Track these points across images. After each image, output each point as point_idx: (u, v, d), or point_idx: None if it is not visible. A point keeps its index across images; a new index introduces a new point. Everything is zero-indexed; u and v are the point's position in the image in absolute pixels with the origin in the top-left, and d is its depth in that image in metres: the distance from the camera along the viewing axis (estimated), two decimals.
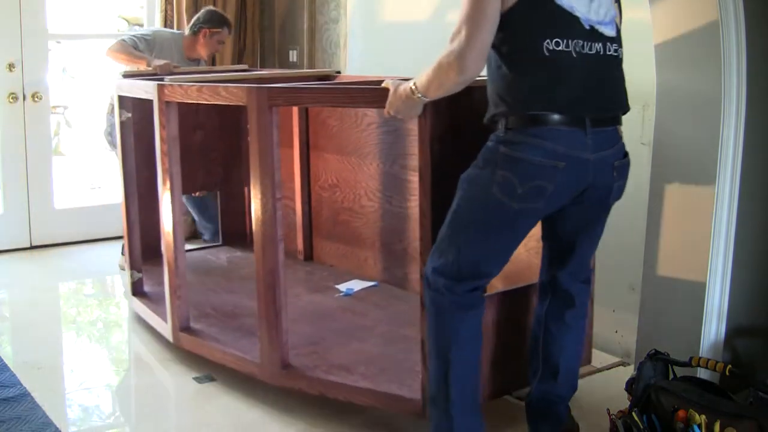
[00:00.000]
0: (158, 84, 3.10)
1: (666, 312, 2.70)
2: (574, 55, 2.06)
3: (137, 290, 3.66)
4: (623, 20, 2.26)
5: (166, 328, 3.26)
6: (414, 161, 3.23)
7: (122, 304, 4.02)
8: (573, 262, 2.35)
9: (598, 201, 2.23)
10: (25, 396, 2.79)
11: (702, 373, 2.49)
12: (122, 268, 4.30)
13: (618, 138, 2.21)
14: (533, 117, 2.06)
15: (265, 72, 4.02)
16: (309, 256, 4.11)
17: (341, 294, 3.63)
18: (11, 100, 4.46)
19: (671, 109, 2.61)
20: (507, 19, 2.05)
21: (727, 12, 2.42)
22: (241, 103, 2.79)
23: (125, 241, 3.70)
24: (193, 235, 4.96)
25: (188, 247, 3.90)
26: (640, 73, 2.59)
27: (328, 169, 3.95)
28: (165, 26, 4.73)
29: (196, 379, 3.03)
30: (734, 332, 2.66)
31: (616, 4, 2.21)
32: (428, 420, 2.37)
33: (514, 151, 2.08)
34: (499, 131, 2.13)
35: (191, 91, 3.00)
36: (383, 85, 2.32)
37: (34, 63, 4.52)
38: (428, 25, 4.14)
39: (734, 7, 2.42)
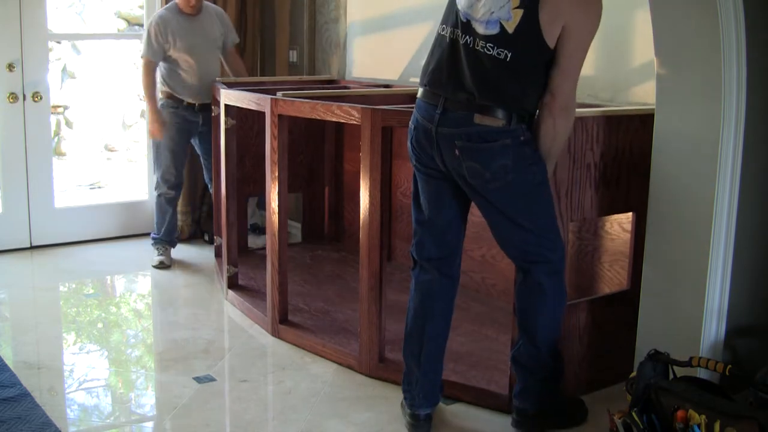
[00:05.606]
0: (272, 98, 3.32)
1: (666, 312, 2.70)
2: (448, 40, 2.39)
3: (232, 284, 3.96)
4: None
5: (264, 320, 3.53)
6: None
7: (122, 304, 4.03)
8: (504, 245, 2.54)
9: (468, 183, 2.40)
10: (25, 396, 2.79)
11: (702, 373, 2.49)
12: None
13: (470, 122, 2.33)
14: (420, 89, 2.46)
15: (363, 89, 4.19)
16: (387, 257, 4.26)
17: None
18: (11, 100, 4.46)
19: (671, 110, 2.61)
20: None
21: (727, 11, 2.42)
22: (354, 122, 2.96)
23: (224, 239, 3.96)
24: (193, 235, 4.96)
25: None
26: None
27: (411, 176, 4.06)
28: None
29: (196, 379, 3.03)
30: (734, 332, 2.66)
31: (523, 12, 2.22)
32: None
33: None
34: None
35: (305, 107, 3.21)
36: None
37: (34, 63, 4.52)
38: (427, 25, 4.14)
39: (734, 7, 2.42)
